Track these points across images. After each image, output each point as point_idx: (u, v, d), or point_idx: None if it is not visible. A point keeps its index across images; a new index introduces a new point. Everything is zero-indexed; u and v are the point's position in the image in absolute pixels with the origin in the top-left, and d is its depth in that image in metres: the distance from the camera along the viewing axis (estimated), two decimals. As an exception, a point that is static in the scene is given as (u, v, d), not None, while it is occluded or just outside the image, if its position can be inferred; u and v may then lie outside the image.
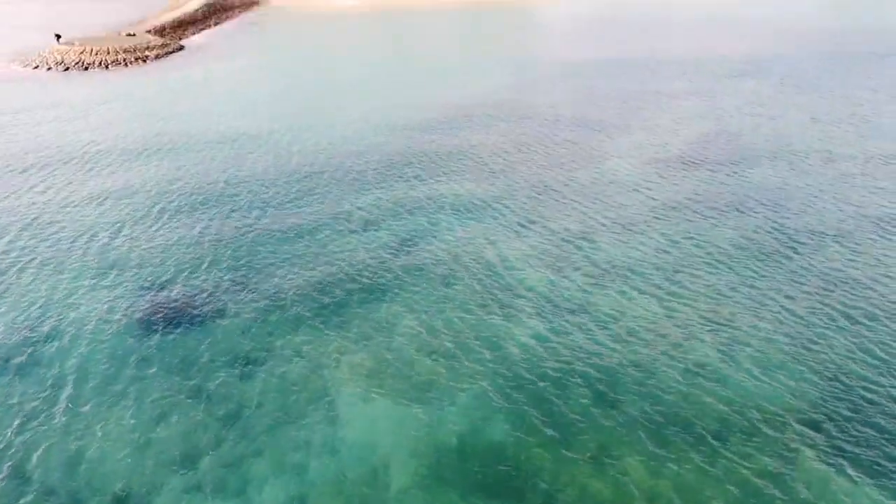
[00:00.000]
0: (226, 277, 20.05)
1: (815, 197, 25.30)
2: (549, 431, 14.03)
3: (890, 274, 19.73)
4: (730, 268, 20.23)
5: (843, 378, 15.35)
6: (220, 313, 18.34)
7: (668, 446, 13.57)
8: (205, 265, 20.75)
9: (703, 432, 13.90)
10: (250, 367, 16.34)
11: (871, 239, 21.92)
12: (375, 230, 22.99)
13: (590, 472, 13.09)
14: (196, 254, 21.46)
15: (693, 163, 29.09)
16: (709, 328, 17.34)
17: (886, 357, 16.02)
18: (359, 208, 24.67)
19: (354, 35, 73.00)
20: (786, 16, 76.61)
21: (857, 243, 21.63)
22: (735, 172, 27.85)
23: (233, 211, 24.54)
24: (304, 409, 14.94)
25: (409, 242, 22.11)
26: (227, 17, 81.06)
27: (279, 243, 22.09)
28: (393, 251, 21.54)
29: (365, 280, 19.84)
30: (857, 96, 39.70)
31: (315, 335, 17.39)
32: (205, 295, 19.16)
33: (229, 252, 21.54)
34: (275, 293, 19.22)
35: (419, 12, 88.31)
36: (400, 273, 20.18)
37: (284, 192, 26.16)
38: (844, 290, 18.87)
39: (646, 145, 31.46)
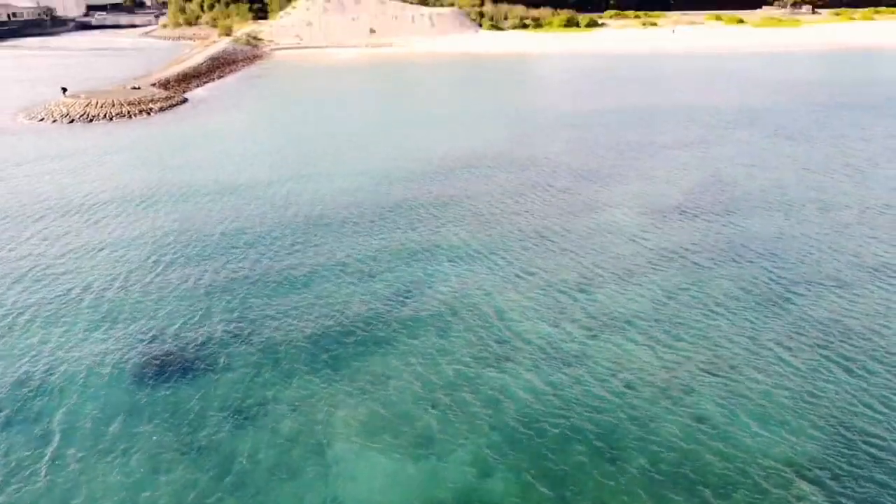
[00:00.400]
0: (219, 329, 19.91)
1: (812, 246, 25.33)
2: (547, 490, 13.68)
3: (889, 325, 19.58)
4: (728, 319, 20.11)
5: (844, 432, 15.06)
6: (213, 365, 18.15)
7: (668, 505, 13.21)
8: (198, 316, 20.63)
9: (704, 489, 13.56)
10: (243, 421, 16.07)
11: (868, 289, 21.85)
12: (371, 281, 22.94)
13: (588, 532, 12.72)
14: (190, 305, 21.37)
15: (689, 212, 29.24)
16: (708, 381, 17.11)
17: (887, 411, 15.75)
18: (355, 259, 24.68)
19: (354, 87, 74.42)
20: (776, 69, 78.25)
21: (855, 293, 21.55)
22: (731, 222, 27.96)
23: (228, 262, 24.54)
24: (298, 465, 14.63)
25: (405, 293, 22.04)
26: (230, 71, 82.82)
27: (274, 294, 22.02)
28: (388, 302, 21.45)
29: (360, 332, 19.70)
30: (850, 147, 40.18)
31: (309, 388, 17.16)
32: (198, 347, 19.00)
33: (223, 303, 21.45)
34: (269, 345, 19.06)
35: (417, 64, 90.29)
36: (395, 325, 20.05)
37: (280, 243, 26.22)
38: (844, 341, 18.71)
39: (642, 195, 31.68)
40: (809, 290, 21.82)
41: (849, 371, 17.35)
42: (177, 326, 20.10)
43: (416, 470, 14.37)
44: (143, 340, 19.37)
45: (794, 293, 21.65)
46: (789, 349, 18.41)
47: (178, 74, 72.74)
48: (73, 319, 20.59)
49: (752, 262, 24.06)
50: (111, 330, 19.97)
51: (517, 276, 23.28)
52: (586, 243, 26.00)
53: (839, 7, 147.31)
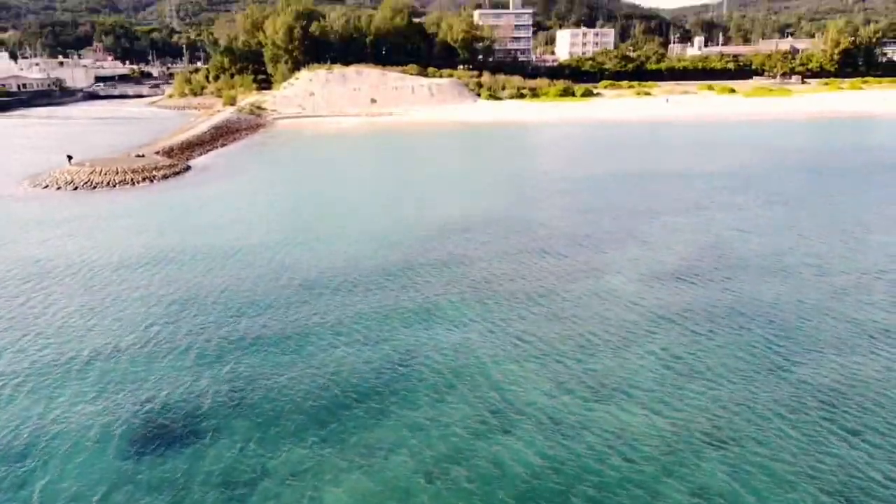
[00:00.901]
0: (209, 398, 19.58)
1: (811, 312, 25.21)
2: (542, 569, 13.17)
3: (890, 393, 19.27)
4: (728, 388, 19.80)
5: (850, 508, 14.62)
6: (202, 436, 17.76)
7: (670, 586, 12.68)
8: (188, 385, 20.33)
9: (707, 570, 13.05)
10: (231, 494, 15.63)
11: (868, 356, 21.62)
12: (366, 349, 22.71)
13: None
14: (180, 374, 21.09)
15: (686, 279, 29.24)
16: (709, 453, 16.71)
17: (891, 483, 15.31)
18: (351, 327, 24.51)
19: (354, 155, 75.79)
20: (769, 137, 79.90)
21: (855, 361, 21.31)
22: (728, 288, 27.92)
23: (221, 329, 24.36)
24: (285, 543, 14.14)
25: (400, 362, 21.79)
26: (233, 139, 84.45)
27: (266, 363, 21.76)
28: (383, 371, 21.18)
29: (353, 402, 19.37)
30: (843, 212, 40.59)
31: (300, 460, 16.74)
32: (186, 417, 18.63)
33: (214, 372, 21.17)
34: (260, 415, 18.70)
35: (417, 133, 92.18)
36: (389, 395, 19.74)
37: (274, 310, 26.07)
38: (845, 411, 18.37)
39: (639, 261, 31.76)
40: (809, 358, 21.58)
41: (850, 443, 16.97)
42: (165, 395, 19.78)
43: (408, 549, 13.86)
44: (130, 410, 19.02)
45: (794, 361, 21.41)
46: (790, 420, 18.06)
47: (182, 143, 74.14)
48: (61, 388, 20.28)
49: (750, 329, 23.90)
50: (98, 399, 19.63)
51: (514, 343, 23.07)
52: (583, 310, 25.89)
53: (828, 77, 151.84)
